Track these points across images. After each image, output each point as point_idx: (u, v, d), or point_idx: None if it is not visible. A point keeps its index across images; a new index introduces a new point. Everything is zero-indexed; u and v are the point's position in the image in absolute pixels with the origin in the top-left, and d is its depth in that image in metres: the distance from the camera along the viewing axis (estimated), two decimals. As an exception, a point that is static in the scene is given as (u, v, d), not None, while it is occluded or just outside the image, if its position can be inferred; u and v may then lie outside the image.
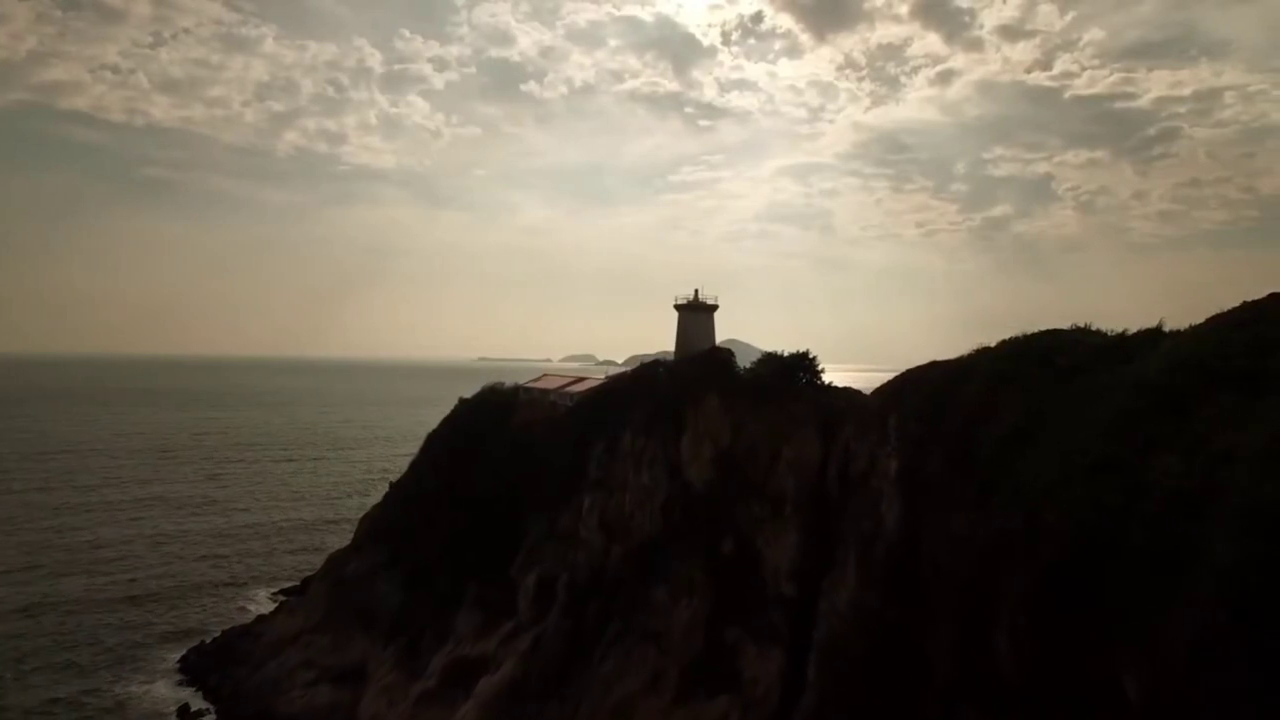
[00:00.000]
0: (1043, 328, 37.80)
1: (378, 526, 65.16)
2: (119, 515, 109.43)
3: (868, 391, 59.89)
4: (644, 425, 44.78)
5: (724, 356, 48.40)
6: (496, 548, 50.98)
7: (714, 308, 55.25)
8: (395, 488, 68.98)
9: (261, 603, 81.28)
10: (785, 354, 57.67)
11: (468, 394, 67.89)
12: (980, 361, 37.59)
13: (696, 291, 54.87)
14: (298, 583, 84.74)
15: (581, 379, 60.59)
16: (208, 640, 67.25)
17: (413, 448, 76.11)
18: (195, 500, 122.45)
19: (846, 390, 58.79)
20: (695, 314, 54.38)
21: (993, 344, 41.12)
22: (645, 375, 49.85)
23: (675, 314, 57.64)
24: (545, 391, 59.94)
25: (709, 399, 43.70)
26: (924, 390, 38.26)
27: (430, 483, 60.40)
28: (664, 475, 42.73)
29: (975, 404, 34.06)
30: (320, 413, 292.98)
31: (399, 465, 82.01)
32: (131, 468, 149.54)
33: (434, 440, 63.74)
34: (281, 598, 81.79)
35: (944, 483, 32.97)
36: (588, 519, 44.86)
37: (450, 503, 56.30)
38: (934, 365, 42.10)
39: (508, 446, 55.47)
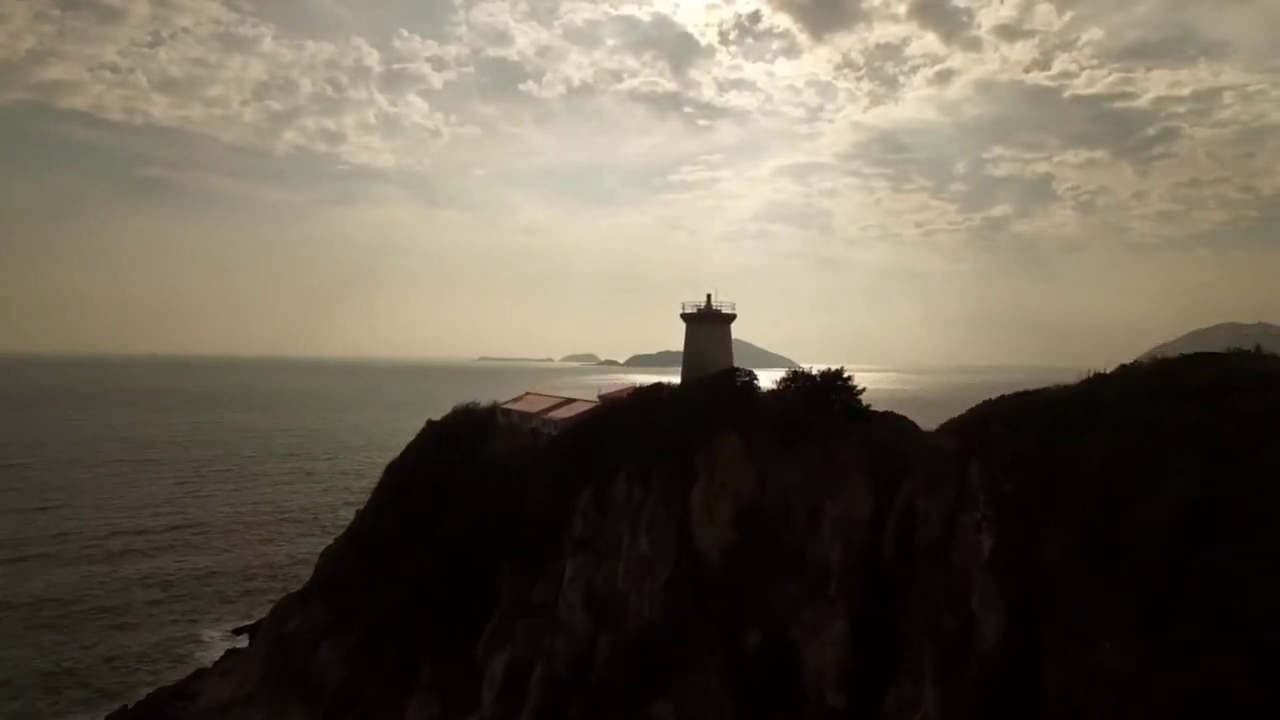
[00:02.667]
0: (1207, 348, 27.79)
1: (329, 572, 55.15)
2: (76, 538, 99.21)
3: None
4: (642, 470, 34.67)
5: (745, 380, 38.27)
6: (459, 616, 40.95)
7: (731, 317, 44.66)
8: (355, 521, 58.98)
9: (214, 646, 71.30)
10: (814, 371, 47.63)
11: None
12: (1105, 396, 27.43)
13: (709, 297, 44.41)
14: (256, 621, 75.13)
15: (569, 400, 50.47)
16: (132, 704, 57.30)
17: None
18: (164, 518, 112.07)
19: (890, 416, 48.71)
20: (708, 325, 43.90)
21: (1107, 369, 31.30)
22: (645, 402, 39.67)
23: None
24: (526, 415, 49.91)
25: (728, 438, 33.58)
26: (1023, 434, 28.13)
27: (387, 524, 50.34)
28: (669, 541, 32.60)
29: (1111, 465, 24.03)
30: (315, 416, 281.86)
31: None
32: (105, 479, 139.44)
33: (394, 472, 53.68)
34: (237, 638, 72.38)
35: (1073, 582, 22.89)
36: (569, 593, 34.76)
37: (407, 553, 46.25)
38: (1025, 396, 31.95)
39: (478, 485, 45.39)
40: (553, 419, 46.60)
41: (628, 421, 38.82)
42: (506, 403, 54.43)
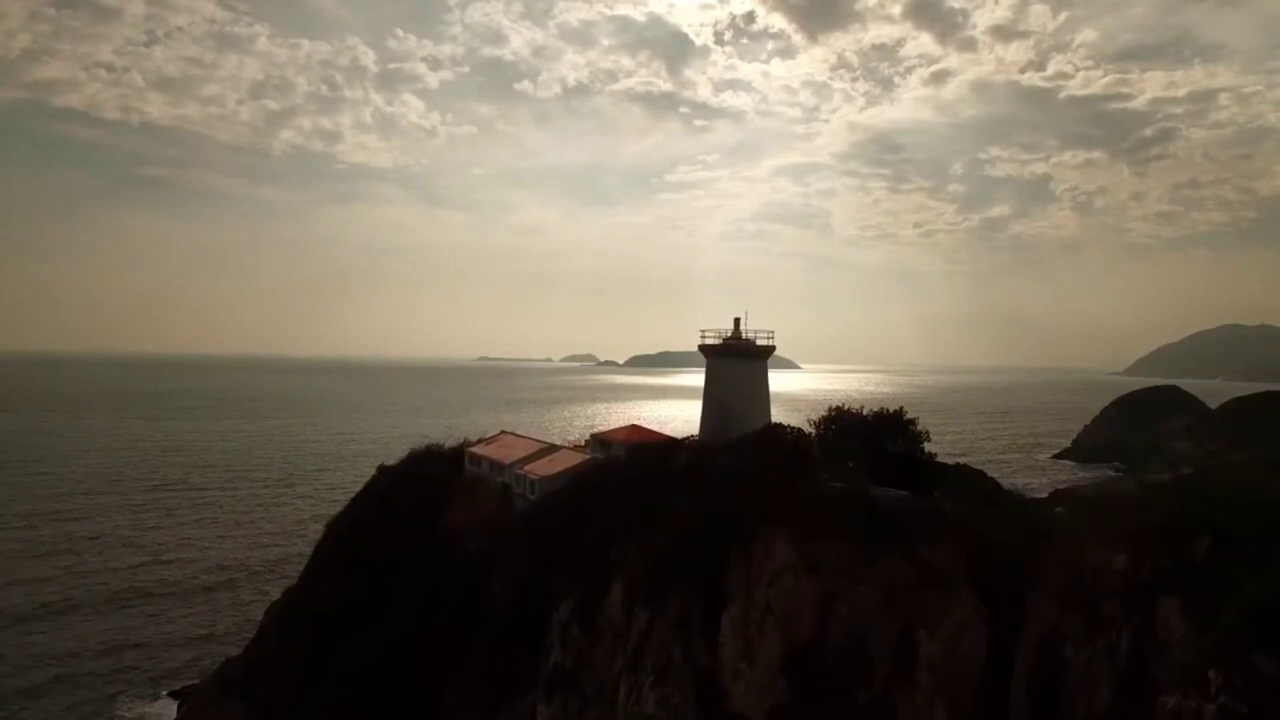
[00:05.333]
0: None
1: (256, 653, 44.36)
2: (18, 575, 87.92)
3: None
4: (648, 581, 23.92)
5: (792, 438, 27.45)
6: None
7: (768, 351, 32.87)
8: (291, 589, 47.98)
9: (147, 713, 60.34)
10: (864, 410, 36.80)
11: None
12: None
13: (738, 322, 32.83)
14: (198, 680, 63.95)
15: (553, 448, 39.68)
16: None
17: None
18: (118, 553, 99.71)
19: (964, 470, 38.55)
20: (736, 362, 32.34)
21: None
22: (651, 470, 28.72)
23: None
24: (498, 465, 39.20)
25: (774, 539, 22.85)
26: (1275, 566, 17.43)
27: (322, 604, 39.46)
28: (687, 694, 21.86)
29: None
30: (307, 422, 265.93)
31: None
32: (64, 505, 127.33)
33: (333, 536, 42.80)
34: (166, 701, 61.81)
35: None
36: (542, 755, 23.99)
37: (341, 649, 35.48)
38: (1240, 482, 21.26)
39: (430, 566, 34.55)
40: (529, 475, 35.82)
41: (628, 496, 27.95)
42: (476, 444, 43.65)
